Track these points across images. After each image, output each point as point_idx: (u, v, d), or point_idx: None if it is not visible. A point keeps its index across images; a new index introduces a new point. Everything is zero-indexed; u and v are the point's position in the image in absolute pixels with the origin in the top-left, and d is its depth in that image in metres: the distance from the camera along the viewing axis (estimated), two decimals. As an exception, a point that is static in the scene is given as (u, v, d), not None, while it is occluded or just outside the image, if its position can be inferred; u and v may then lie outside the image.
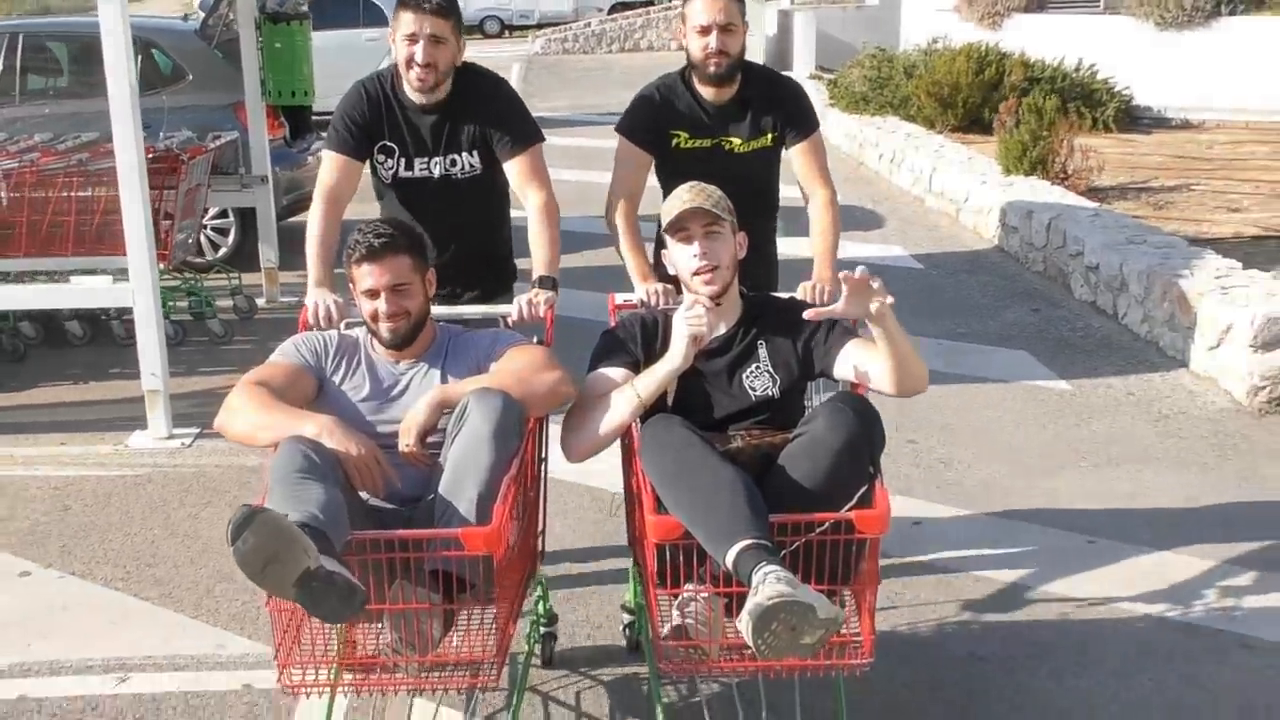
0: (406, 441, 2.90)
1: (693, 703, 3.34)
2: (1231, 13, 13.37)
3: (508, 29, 32.26)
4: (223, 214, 8.22)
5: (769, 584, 2.47)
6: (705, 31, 3.70)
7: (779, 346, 3.15)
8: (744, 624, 2.49)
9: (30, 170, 6.44)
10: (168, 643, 3.78)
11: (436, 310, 3.30)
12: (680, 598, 2.77)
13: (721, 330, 3.17)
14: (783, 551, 2.63)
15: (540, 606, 3.54)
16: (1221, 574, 4.08)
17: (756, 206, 3.70)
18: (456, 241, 3.74)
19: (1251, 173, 9.63)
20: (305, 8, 7.39)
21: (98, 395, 6.02)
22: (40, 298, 5.90)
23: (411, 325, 3.13)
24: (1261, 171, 9.51)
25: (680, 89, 3.86)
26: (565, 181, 9.74)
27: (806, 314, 2.96)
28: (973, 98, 11.91)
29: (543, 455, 3.41)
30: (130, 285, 5.27)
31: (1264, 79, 12.44)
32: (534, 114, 3.88)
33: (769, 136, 3.86)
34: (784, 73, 4.26)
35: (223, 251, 8.24)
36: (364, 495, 2.89)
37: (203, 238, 7.90)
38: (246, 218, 8.09)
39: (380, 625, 2.77)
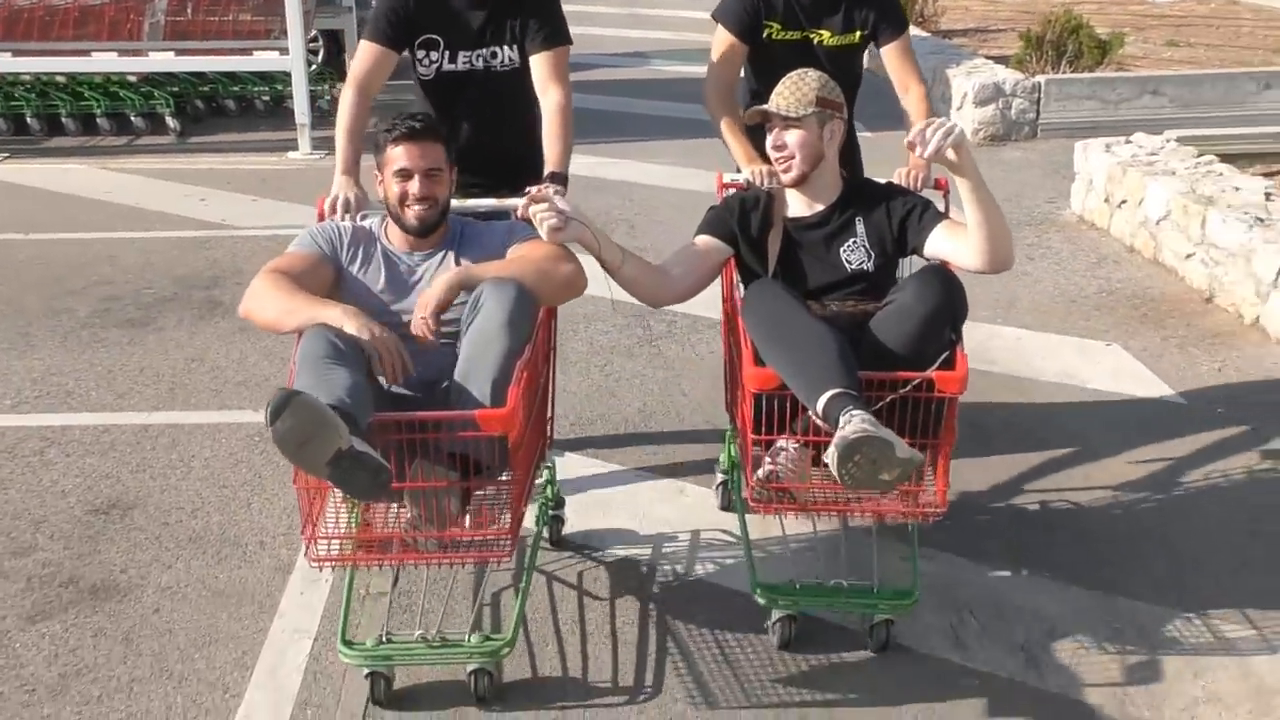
0: (422, 315, 2.92)
1: (777, 554, 3.52)
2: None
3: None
4: (313, 39, 11.57)
5: (854, 422, 2.72)
6: None
7: (875, 224, 3.33)
8: (830, 455, 2.73)
9: (203, -4, 9.88)
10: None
11: None
12: (773, 447, 3.02)
13: (819, 207, 3.37)
14: (872, 409, 2.82)
15: (549, 490, 3.67)
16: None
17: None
18: (494, 134, 3.80)
19: (1096, 32, 12.90)
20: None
21: (256, 139, 9.47)
22: (230, 64, 9.44)
23: (438, 213, 3.20)
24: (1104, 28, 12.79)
25: None
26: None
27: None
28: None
29: (552, 344, 3.59)
30: (289, 57, 8.73)
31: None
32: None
33: (858, 34, 3.94)
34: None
35: (314, 66, 11.59)
36: (381, 381, 2.91)
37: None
38: (329, 40, 11.47)
39: (394, 507, 2.91)
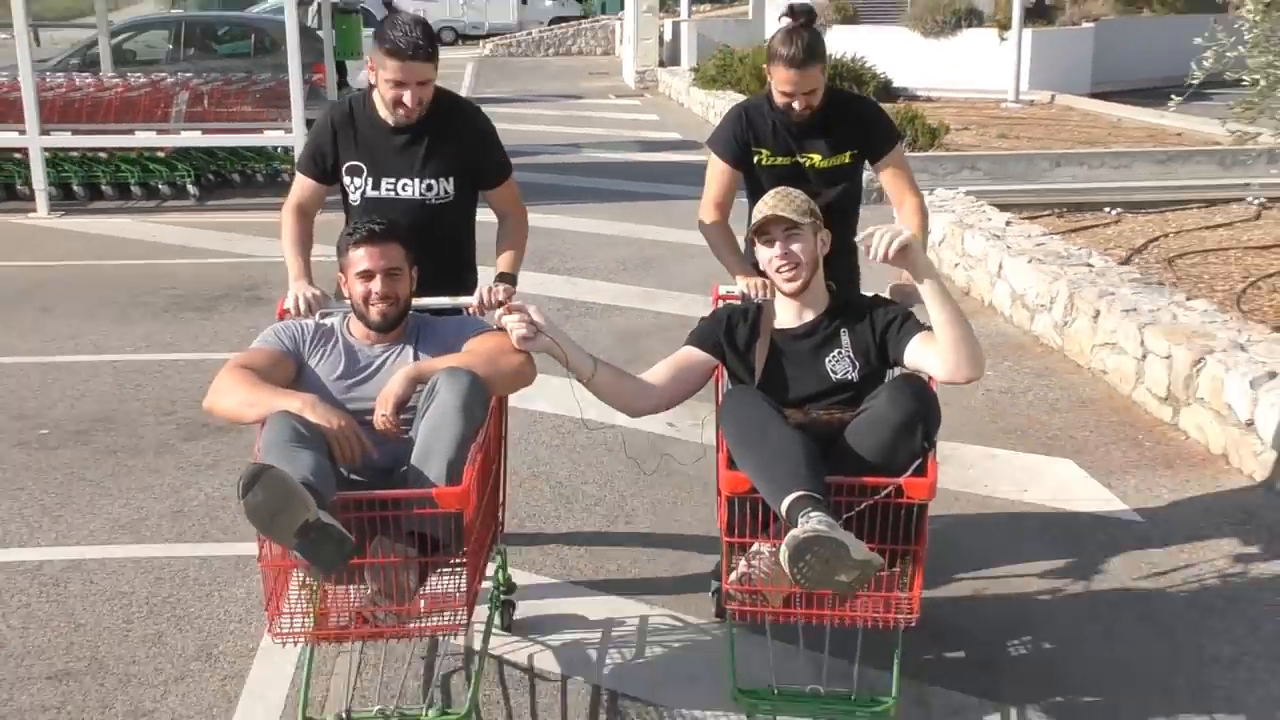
0: (383, 412, 3.08)
1: (760, 654, 3.35)
2: (968, 26, 19.59)
3: (461, 38, 37.70)
4: (301, 129, 13.95)
5: (810, 523, 2.80)
6: (789, 96, 3.85)
7: (860, 335, 3.38)
8: (782, 554, 2.79)
9: (216, 90, 12.21)
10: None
11: None
12: (748, 550, 3.09)
13: (808, 317, 3.44)
14: (845, 515, 2.92)
15: (500, 575, 3.76)
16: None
17: (835, 218, 3.76)
18: (422, 259, 3.65)
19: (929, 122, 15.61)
20: (359, 6, 13.28)
21: (261, 201, 11.68)
22: (244, 141, 11.77)
23: (399, 311, 3.34)
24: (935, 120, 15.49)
25: (765, 109, 3.99)
26: (508, 129, 15.91)
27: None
28: (780, 78, 17.84)
29: (503, 433, 3.66)
30: (294, 135, 11.06)
31: (979, 70, 18.55)
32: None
33: (848, 155, 3.98)
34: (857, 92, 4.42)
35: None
36: (341, 468, 3.03)
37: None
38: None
39: (353, 591, 3.01)
